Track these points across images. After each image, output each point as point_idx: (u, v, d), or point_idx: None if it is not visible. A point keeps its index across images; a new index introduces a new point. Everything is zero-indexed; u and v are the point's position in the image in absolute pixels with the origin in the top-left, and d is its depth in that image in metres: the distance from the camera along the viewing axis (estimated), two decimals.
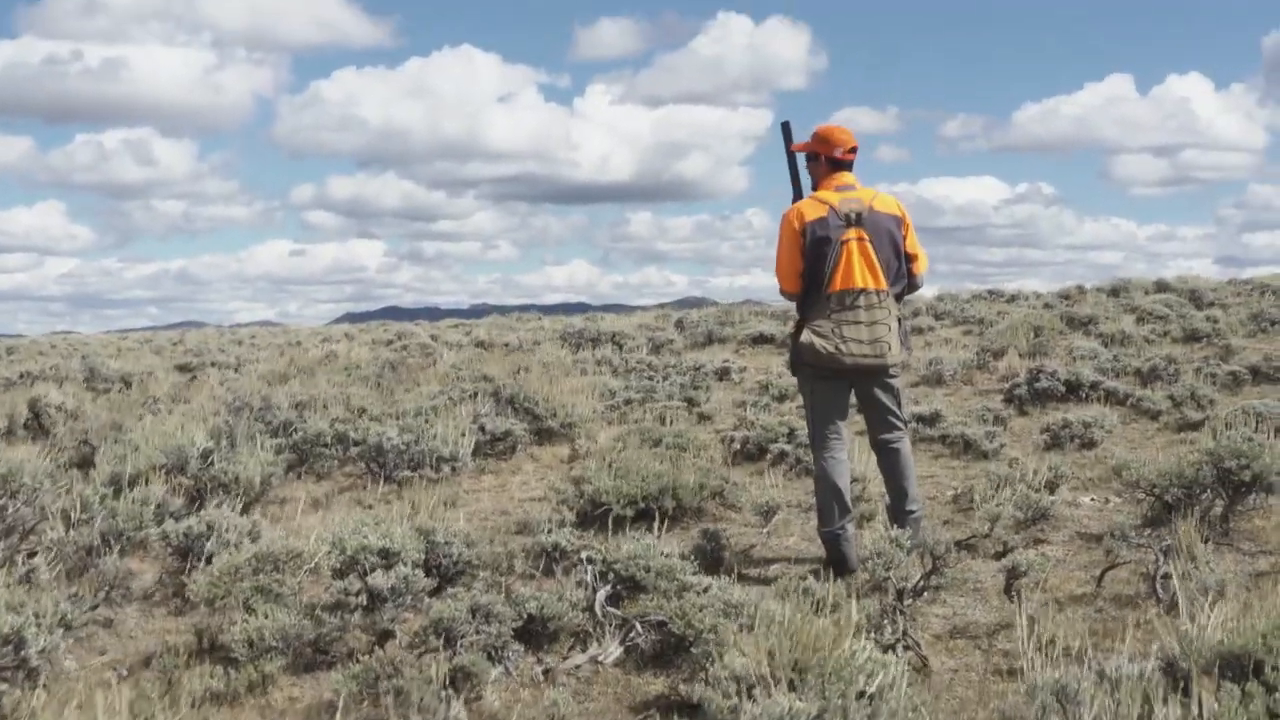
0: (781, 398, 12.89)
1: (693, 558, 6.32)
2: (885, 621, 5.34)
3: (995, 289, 27.49)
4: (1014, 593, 5.50)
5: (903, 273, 6.71)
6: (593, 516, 7.58)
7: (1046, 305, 21.85)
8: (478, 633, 5.16)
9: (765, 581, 6.35)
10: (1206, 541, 6.26)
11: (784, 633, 4.47)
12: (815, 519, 6.76)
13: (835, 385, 6.72)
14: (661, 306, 37.47)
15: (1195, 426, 10.02)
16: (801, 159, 6.95)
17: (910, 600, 5.59)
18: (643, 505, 7.56)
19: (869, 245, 6.55)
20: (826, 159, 6.78)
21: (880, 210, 6.65)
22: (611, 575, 5.68)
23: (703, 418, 11.73)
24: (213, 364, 21.38)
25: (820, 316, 6.52)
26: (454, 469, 9.25)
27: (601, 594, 5.56)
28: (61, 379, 16.87)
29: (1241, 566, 6.11)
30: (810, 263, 6.53)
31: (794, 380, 13.32)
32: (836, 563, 6.48)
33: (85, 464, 9.46)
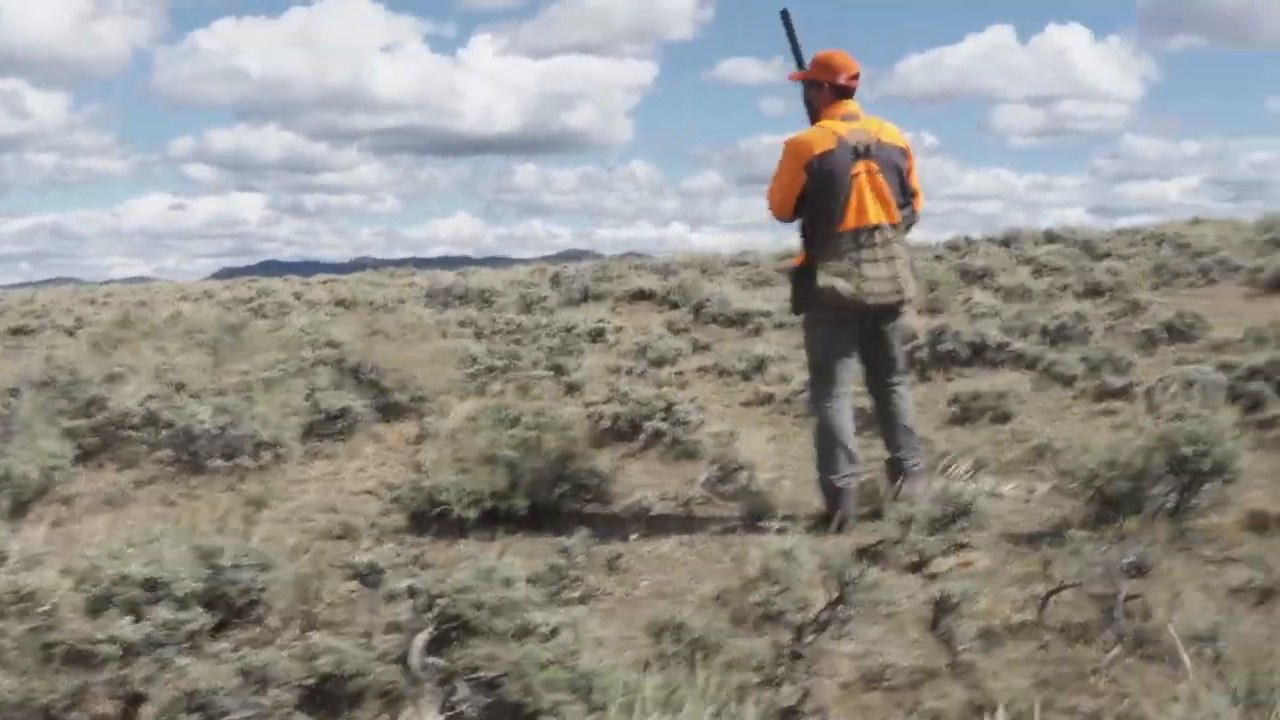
0: (660, 362, 11.74)
1: (545, 580, 5.19)
2: (781, 670, 4.20)
3: None
4: (942, 631, 4.34)
5: (906, 208, 6.39)
6: (430, 518, 6.37)
7: (938, 257, 20.92)
8: (246, 706, 3.91)
9: (631, 607, 5.20)
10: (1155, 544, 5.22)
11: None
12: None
13: (849, 329, 6.32)
14: (545, 259, 36.39)
15: (1118, 394, 9.01)
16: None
17: (812, 636, 4.44)
18: (489, 505, 6.36)
19: (880, 178, 6.20)
20: (830, 86, 6.38)
21: (887, 142, 6.30)
22: (437, 611, 4.47)
23: (571, 388, 10.50)
24: (54, 326, 19.77)
25: (834, 256, 6.14)
26: (278, 456, 7.95)
27: (420, 640, 4.34)
28: None
29: (1210, 579, 5.03)
30: (820, 199, 6.16)
31: (672, 345, 12.38)
32: (841, 516, 6.11)
33: None
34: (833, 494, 6.21)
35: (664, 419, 8.26)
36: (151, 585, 4.72)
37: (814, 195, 6.17)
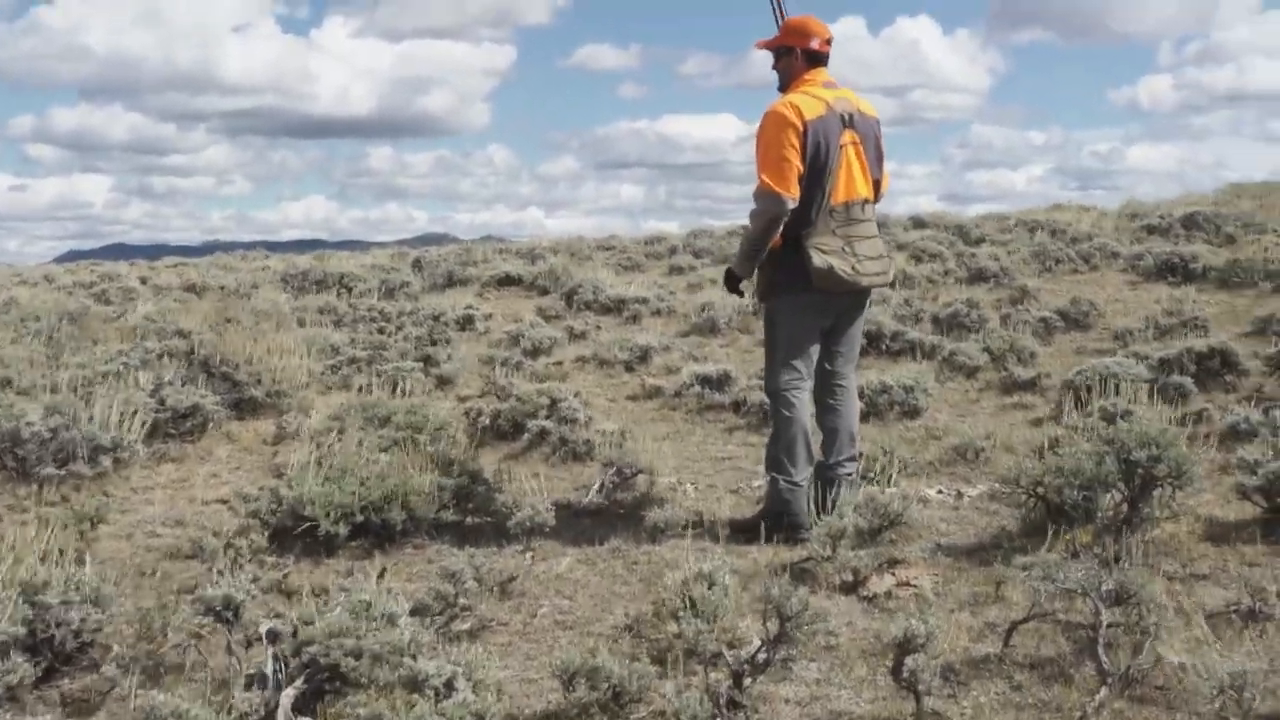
0: (535, 352, 11.02)
1: (430, 609, 4.50)
2: None
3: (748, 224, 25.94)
4: (906, 679, 3.71)
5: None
6: (294, 534, 5.62)
7: None
8: None
9: (531, 640, 4.53)
10: (1119, 560, 4.70)
11: None
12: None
13: (825, 314, 5.75)
14: (401, 244, 35.28)
15: (1026, 387, 8.54)
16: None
17: (750, 680, 3.80)
18: (361, 519, 5.63)
19: (863, 149, 5.70)
20: (803, 52, 5.79)
21: (866, 114, 5.78)
22: (306, 658, 3.75)
23: (442, 381, 9.73)
24: None
25: (824, 234, 5.55)
26: (118, 460, 7.10)
27: (287, 699, 3.62)
28: None
29: (1182, 599, 4.48)
30: (811, 169, 5.50)
31: (547, 334, 11.67)
32: (793, 522, 5.55)
33: None
34: (786, 497, 5.59)
35: (549, 417, 7.57)
36: None
37: (805, 167, 5.49)
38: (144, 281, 21.59)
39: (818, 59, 5.78)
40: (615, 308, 13.49)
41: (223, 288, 18.02)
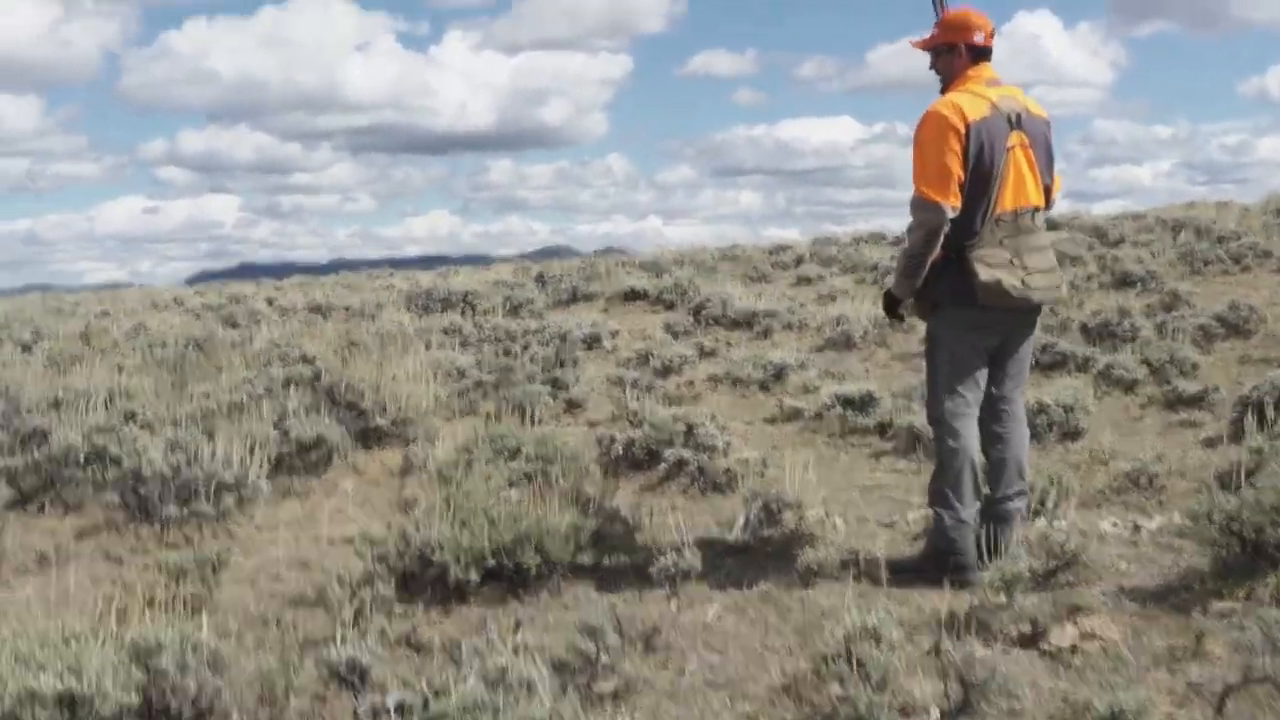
0: (665, 371, 10.66)
1: (569, 668, 4.16)
2: None
3: (877, 231, 25.30)
4: None
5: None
6: (423, 580, 5.30)
7: None
8: None
9: (680, 703, 4.16)
10: None
11: None
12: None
13: (992, 333, 5.28)
14: (523, 257, 35.21)
15: (1192, 402, 8.00)
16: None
17: None
18: (493, 563, 5.29)
19: (1032, 153, 5.20)
20: (967, 48, 5.32)
21: (1035, 113, 5.28)
22: None
23: (571, 405, 9.41)
24: (12, 340, 18.58)
25: (990, 245, 5.09)
26: (241, 499, 6.86)
27: None
28: None
29: None
30: (975, 174, 5.06)
31: (677, 352, 11.29)
32: (959, 563, 5.12)
33: None
34: (952, 535, 5.17)
35: (685, 444, 7.19)
36: (69, 702, 3.68)
37: (968, 172, 5.06)
38: (270, 303, 21.66)
39: (982, 54, 5.32)
40: (745, 322, 13.11)
41: (347, 308, 17.94)
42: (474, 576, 5.22)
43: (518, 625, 4.80)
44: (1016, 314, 5.21)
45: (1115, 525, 5.69)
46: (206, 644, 4.13)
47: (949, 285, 5.16)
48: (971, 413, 5.26)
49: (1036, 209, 5.21)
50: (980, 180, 5.05)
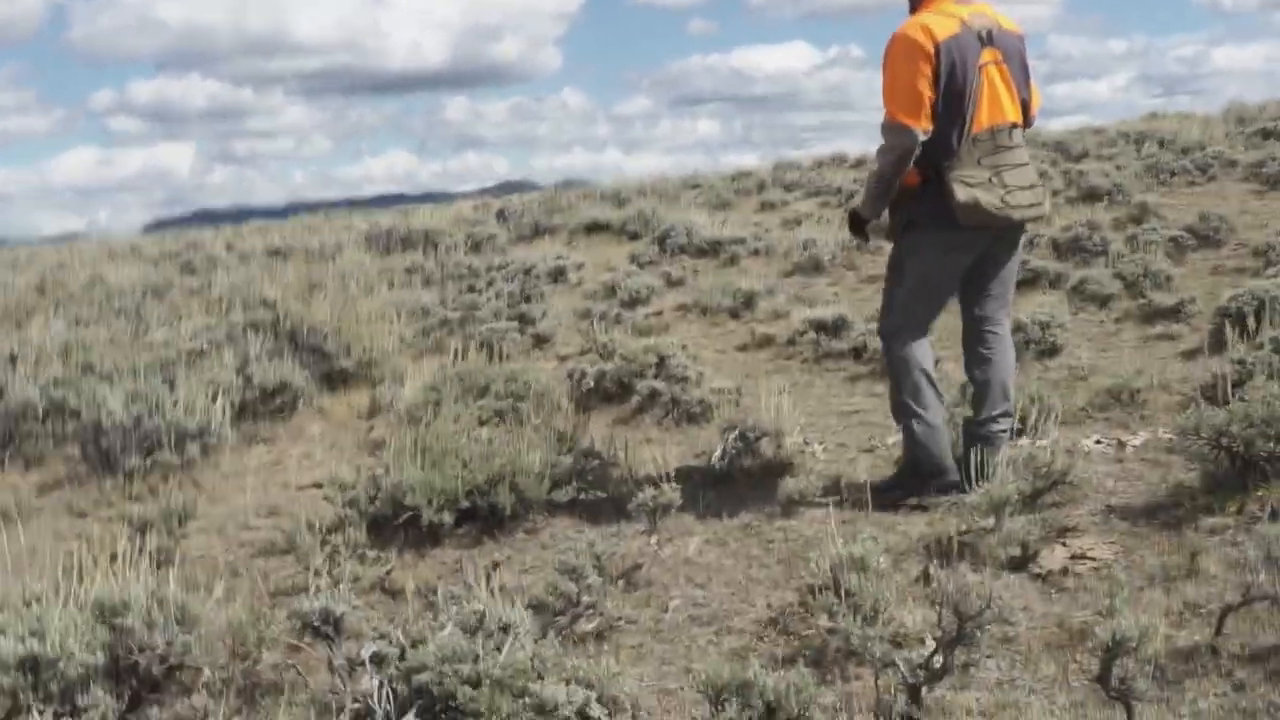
0: (632, 302, 10.50)
1: (549, 608, 4.05)
2: None
3: (838, 154, 25.07)
4: (1116, 688, 3.15)
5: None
6: (395, 524, 5.16)
7: None
8: None
9: (664, 640, 4.05)
10: None
11: None
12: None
13: (968, 253, 5.14)
14: (483, 193, 34.95)
15: (1169, 315, 7.90)
16: None
17: (926, 690, 3.29)
18: (467, 504, 5.16)
19: (1006, 69, 5.07)
20: None
21: (1007, 29, 5.14)
22: (416, 686, 3.28)
23: (539, 340, 9.25)
24: None
25: (968, 165, 4.93)
26: (205, 447, 6.71)
27: None
28: None
29: None
30: (947, 93, 4.92)
31: (644, 282, 11.14)
32: (936, 468, 5.08)
33: None
34: (923, 441, 5.10)
35: (657, 376, 7.05)
36: (32, 665, 3.54)
37: (940, 93, 4.90)
38: (229, 248, 21.33)
39: None
40: (711, 250, 12.92)
41: (307, 251, 17.67)
42: (448, 519, 5.10)
43: (495, 567, 4.68)
44: (997, 232, 5.08)
45: (1099, 443, 5.59)
46: (173, 598, 3.99)
47: (928, 207, 5.02)
48: (924, 330, 5.23)
49: (1014, 125, 5.06)
50: (954, 100, 4.92)
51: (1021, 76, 5.14)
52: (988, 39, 5.01)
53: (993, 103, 4.99)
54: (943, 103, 4.91)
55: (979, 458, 4.81)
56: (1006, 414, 5.16)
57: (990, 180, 4.93)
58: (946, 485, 4.99)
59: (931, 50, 4.89)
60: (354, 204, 40.91)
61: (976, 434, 5.08)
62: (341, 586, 4.12)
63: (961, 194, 4.89)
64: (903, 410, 5.20)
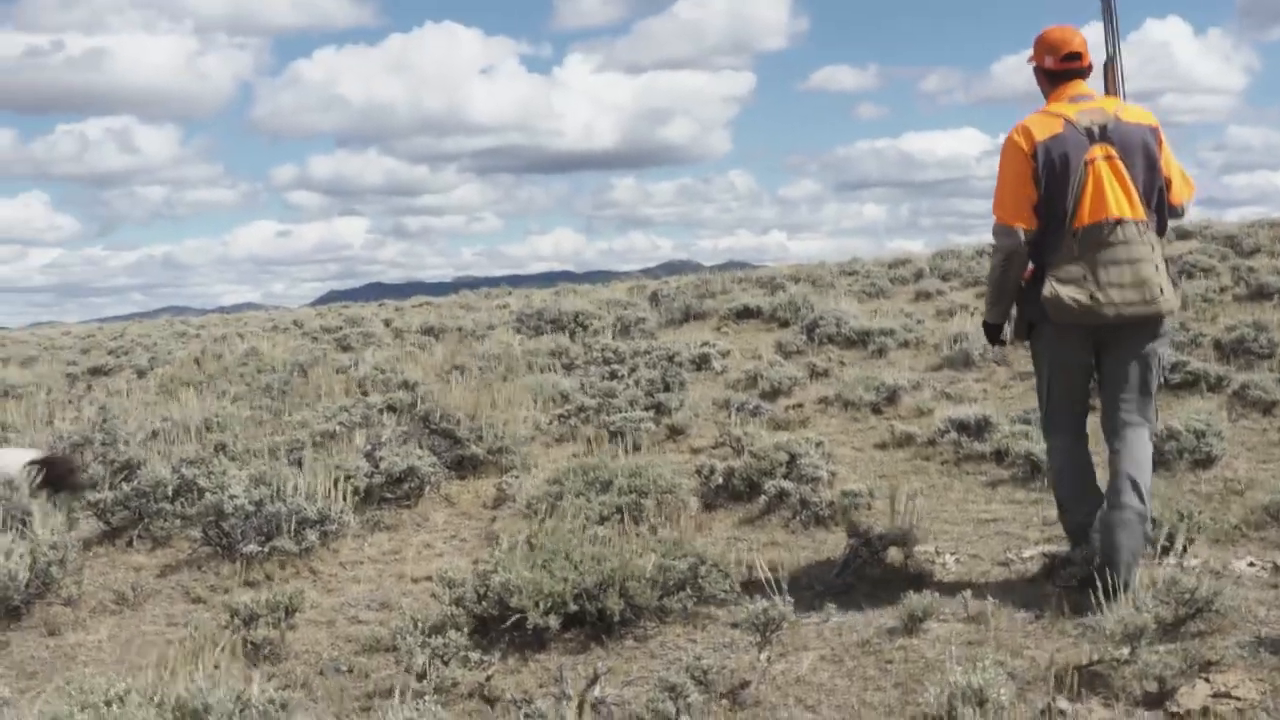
0: (773, 394, 10.29)
1: None
2: None
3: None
4: None
5: (1159, 200, 5.19)
6: (501, 627, 4.99)
7: None
8: None
9: None
10: None
11: None
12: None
13: (1077, 348, 5.19)
14: (645, 272, 35.30)
15: None
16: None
17: None
18: (575, 608, 4.97)
19: (1120, 164, 5.03)
20: (1044, 71, 5.35)
21: (1129, 120, 5.11)
22: None
23: (673, 432, 9.05)
24: (131, 366, 18.75)
25: (1066, 261, 5.00)
26: (324, 534, 6.63)
27: None
28: None
29: None
30: (1047, 192, 5.04)
31: (787, 373, 10.90)
32: (1105, 557, 4.86)
33: None
34: (1072, 537, 5.26)
35: (787, 475, 6.82)
36: None
37: (1041, 190, 5.07)
38: (388, 324, 21.66)
39: (1060, 76, 5.29)
40: (860, 340, 12.68)
41: (460, 329, 17.82)
42: (554, 623, 4.90)
43: (595, 678, 4.47)
44: (1098, 330, 5.07)
45: (1252, 565, 5.21)
46: (256, 704, 3.86)
47: (1030, 304, 5.18)
48: (1067, 424, 5.32)
49: (1121, 220, 5.01)
50: (1054, 198, 5.05)
51: (1145, 167, 5.12)
52: (1100, 134, 5.08)
53: (1097, 198, 5.02)
54: (1044, 201, 5.05)
55: (1104, 541, 4.83)
56: (1132, 507, 4.93)
57: (1085, 277, 4.96)
58: (1115, 566, 4.81)
59: (1029, 151, 5.07)
60: (516, 280, 41.48)
61: (1100, 518, 4.99)
62: (427, 699, 3.94)
63: (1047, 289, 4.99)
64: (1057, 505, 5.43)
